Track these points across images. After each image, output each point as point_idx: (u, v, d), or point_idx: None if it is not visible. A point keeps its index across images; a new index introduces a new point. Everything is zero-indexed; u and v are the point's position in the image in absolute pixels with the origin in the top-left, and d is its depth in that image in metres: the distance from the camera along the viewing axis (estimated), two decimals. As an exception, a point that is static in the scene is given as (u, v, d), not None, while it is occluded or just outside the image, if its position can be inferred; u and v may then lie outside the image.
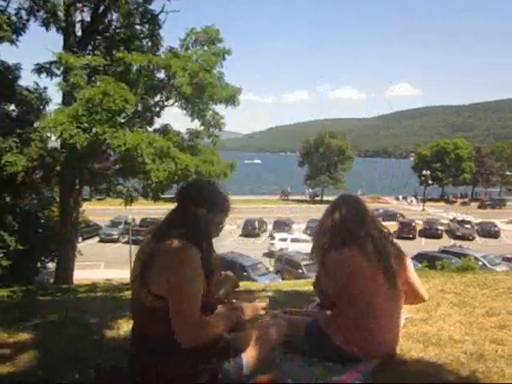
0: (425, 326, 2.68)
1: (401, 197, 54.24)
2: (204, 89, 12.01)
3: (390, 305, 1.93)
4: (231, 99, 12.81)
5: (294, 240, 25.35)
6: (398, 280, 1.95)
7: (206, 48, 12.88)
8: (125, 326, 2.93)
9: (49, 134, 11.27)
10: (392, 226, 31.77)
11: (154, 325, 1.52)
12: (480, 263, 17.39)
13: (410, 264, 2.10)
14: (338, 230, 1.98)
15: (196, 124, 13.66)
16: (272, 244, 25.43)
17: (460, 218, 34.95)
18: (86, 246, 24.12)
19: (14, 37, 12.12)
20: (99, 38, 13.22)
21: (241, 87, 13.16)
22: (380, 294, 1.89)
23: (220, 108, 13.46)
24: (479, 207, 47.96)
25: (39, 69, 12.37)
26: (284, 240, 25.20)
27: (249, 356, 1.72)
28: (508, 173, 58.38)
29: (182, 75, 11.57)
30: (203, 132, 13.73)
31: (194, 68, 11.76)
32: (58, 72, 12.22)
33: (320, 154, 51.89)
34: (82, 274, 16.66)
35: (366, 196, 50.74)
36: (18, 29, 12.41)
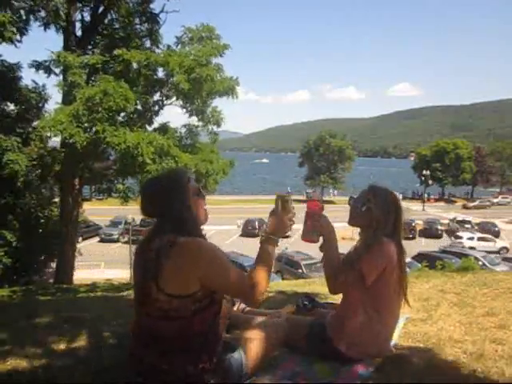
0: (425, 326, 2.68)
1: None
2: (202, 83, 11.97)
3: (398, 304, 2.00)
4: (229, 91, 12.78)
5: (481, 239, 27.63)
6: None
7: (202, 46, 12.87)
8: (125, 326, 2.93)
9: (49, 134, 11.27)
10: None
11: (168, 324, 1.52)
12: (480, 263, 17.38)
13: None
14: (392, 226, 2.05)
15: (194, 120, 13.68)
16: (460, 243, 27.05)
17: (460, 218, 34.96)
18: (86, 246, 24.14)
19: (17, 37, 12.11)
20: (99, 37, 13.24)
21: (238, 78, 13.12)
22: (397, 293, 1.96)
23: (220, 107, 13.47)
24: None
25: (37, 65, 12.34)
26: (471, 239, 26.95)
27: (249, 355, 1.73)
28: (508, 173, 58.29)
29: (179, 72, 11.57)
30: (201, 128, 13.73)
31: (190, 64, 11.75)
32: (57, 71, 12.23)
33: (320, 153, 51.88)
34: (82, 274, 16.68)
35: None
36: (21, 28, 12.42)
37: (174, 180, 1.66)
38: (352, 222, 2.14)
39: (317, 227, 2.02)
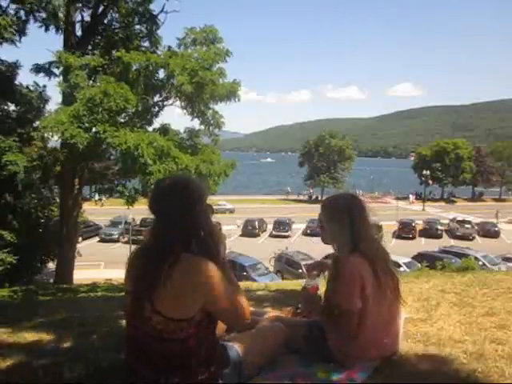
0: (425, 326, 2.68)
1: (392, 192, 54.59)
2: (204, 87, 12.01)
3: (389, 309, 1.93)
4: (231, 95, 12.80)
5: None
6: (397, 282, 1.95)
7: (205, 48, 12.89)
8: (125, 326, 2.93)
9: (50, 134, 11.29)
10: (392, 226, 31.79)
11: (163, 345, 1.45)
12: (480, 263, 17.38)
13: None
14: (350, 233, 1.88)
15: (195, 123, 13.71)
16: None
17: (460, 218, 34.95)
18: (86, 246, 24.13)
19: (16, 38, 12.14)
20: (99, 37, 13.25)
21: (240, 81, 13.15)
22: (383, 302, 1.88)
23: (221, 107, 13.49)
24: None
25: (38, 69, 12.39)
26: None
27: (249, 357, 1.72)
28: (508, 173, 58.16)
29: (181, 73, 11.58)
30: (202, 131, 13.75)
31: (193, 66, 11.77)
32: (57, 72, 12.26)
33: (320, 153, 51.90)
34: (82, 274, 16.68)
35: (365, 196, 50.82)
36: (20, 29, 12.44)
37: (197, 189, 1.55)
38: (324, 241, 2.06)
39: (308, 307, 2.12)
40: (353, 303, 1.82)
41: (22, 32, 12.59)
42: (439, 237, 31.87)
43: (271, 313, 2.31)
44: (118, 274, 18.41)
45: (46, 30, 13.04)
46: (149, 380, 1.49)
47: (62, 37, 12.85)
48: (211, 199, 1.75)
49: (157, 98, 13.39)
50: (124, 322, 3.07)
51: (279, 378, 1.80)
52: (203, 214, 1.54)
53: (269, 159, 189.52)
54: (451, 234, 32.84)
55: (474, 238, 32.07)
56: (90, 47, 13.10)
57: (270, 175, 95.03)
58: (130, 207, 12.92)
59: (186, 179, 1.66)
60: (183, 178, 1.69)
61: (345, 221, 1.89)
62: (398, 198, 50.31)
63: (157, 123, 13.75)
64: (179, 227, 1.48)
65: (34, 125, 13.10)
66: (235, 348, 1.71)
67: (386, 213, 35.30)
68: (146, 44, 13.60)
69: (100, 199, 15.34)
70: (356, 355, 1.88)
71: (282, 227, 31.56)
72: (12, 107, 13.41)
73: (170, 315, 1.41)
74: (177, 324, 1.42)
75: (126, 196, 12.78)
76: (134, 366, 1.54)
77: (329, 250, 2.26)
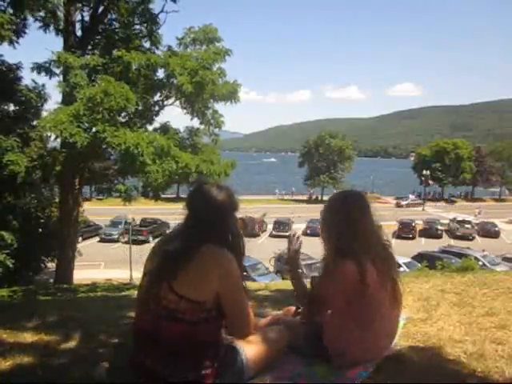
0: (425, 326, 2.67)
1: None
2: (204, 86, 12.02)
3: (390, 311, 1.92)
4: (231, 96, 12.81)
5: None
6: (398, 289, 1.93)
7: (204, 47, 12.91)
8: (125, 326, 2.93)
9: (49, 133, 11.28)
10: (392, 226, 31.79)
11: (171, 325, 1.51)
12: (480, 263, 17.38)
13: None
14: (349, 234, 1.82)
15: (195, 122, 13.73)
16: None
17: (460, 218, 34.97)
18: (86, 246, 24.13)
19: (15, 38, 12.09)
20: (99, 37, 13.24)
21: (240, 83, 13.17)
22: (384, 303, 1.86)
23: (221, 107, 13.51)
24: None
25: (38, 67, 12.36)
26: None
27: (251, 358, 1.72)
28: (508, 173, 58.17)
29: (182, 73, 11.59)
30: (202, 130, 13.78)
31: (193, 66, 11.79)
32: (57, 71, 12.23)
33: (320, 154, 51.89)
34: (82, 274, 16.68)
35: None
36: (19, 29, 12.40)
37: (236, 197, 1.71)
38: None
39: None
40: (333, 302, 1.85)
41: (20, 31, 12.54)
42: (439, 237, 31.90)
43: (272, 313, 2.31)
44: (118, 274, 18.45)
45: (46, 30, 13.00)
46: (153, 374, 1.51)
47: (61, 37, 12.85)
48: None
49: (157, 98, 13.42)
50: (124, 321, 3.08)
51: (279, 378, 1.80)
52: (235, 221, 1.69)
53: (272, 159, 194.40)
54: (451, 233, 32.87)
55: (473, 238, 32.10)
56: (90, 47, 13.08)
57: (274, 175, 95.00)
58: (131, 207, 12.92)
59: (227, 187, 1.77)
60: (225, 186, 1.79)
61: (343, 224, 1.84)
62: (398, 198, 50.39)
63: (157, 123, 13.80)
64: (213, 228, 1.59)
65: (33, 124, 13.06)
66: (240, 350, 1.71)
67: (385, 213, 35.28)
68: (147, 44, 13.61)
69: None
70: (355, 356, 1.88)
71: (282, 227, 31.54)
72: (11, 107, 13.38)
73: (184, 294, 1.49)
74: (189, 304, 1.49)
75: (124, 195, 12.78)
76: (138, 358, 1.56)
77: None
